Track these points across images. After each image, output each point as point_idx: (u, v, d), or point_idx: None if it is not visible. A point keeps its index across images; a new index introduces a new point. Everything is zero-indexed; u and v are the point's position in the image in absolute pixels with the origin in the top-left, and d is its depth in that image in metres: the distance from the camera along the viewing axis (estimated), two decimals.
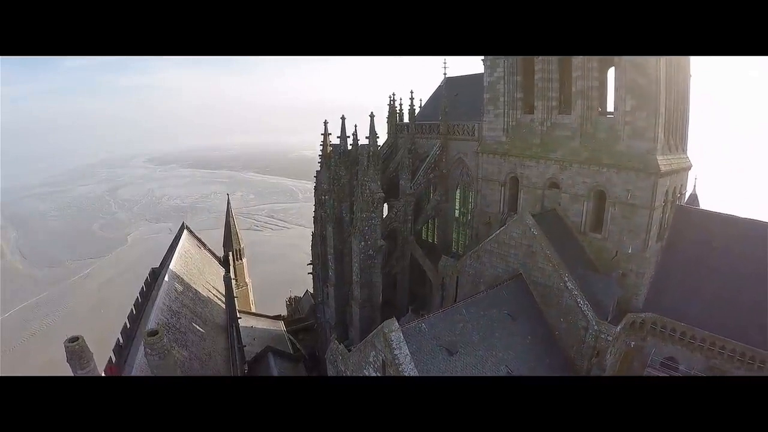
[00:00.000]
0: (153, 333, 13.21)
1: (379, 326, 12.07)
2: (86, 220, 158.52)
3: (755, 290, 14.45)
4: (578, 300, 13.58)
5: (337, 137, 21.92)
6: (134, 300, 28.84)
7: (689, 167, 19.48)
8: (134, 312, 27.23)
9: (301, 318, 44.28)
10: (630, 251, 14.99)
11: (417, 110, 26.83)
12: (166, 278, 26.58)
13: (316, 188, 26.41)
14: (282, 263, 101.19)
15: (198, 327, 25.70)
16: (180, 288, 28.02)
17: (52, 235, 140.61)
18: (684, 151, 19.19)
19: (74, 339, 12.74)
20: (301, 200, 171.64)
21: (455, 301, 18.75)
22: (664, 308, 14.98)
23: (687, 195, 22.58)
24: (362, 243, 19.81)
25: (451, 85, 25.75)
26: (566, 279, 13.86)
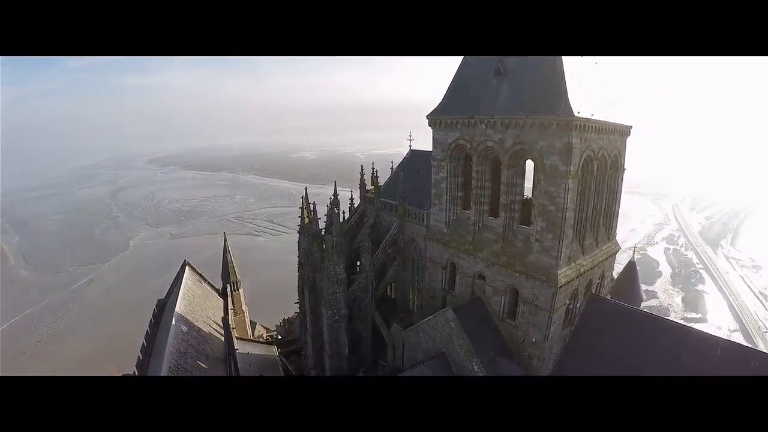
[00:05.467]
0: None
1: None
2: (88, 224, 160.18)
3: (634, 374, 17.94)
4: None
5: (308, 219, 25.74)
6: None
7: (615, 252, 22.79)
8: (145, 344, 31.56)
9: (293, 339, 47.64)
10: (534, 340, 18.65)
11: (397, 163, 30.34)
12: (173, 321, 29.93)
13: (299, 247, 30.22)
14: (280, 270, 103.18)
15: (201, 363, 29.28)
16: (185, 329, 31.57)
17: (54, 240, 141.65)
18: (611, 239, 22.47)
19: None
20: (300, 204, 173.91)
21: (402, 359, 22.66)
22: None
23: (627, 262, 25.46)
24: (330, 311, 23.70)
25: (415, 158, 29.18)
26: (474, 362, 17.87)
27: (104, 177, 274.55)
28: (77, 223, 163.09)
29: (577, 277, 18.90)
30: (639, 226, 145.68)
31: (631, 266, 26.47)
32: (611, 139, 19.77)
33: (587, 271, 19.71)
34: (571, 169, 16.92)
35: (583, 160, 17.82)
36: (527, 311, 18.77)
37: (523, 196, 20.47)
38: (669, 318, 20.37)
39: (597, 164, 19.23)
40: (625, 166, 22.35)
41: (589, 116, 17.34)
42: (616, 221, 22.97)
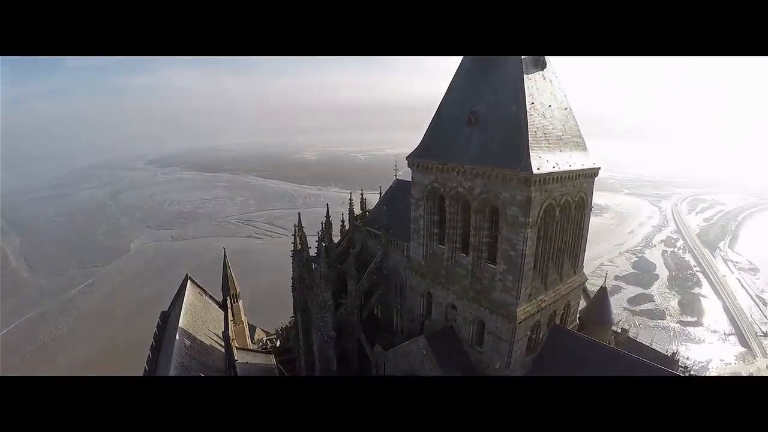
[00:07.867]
0: None
1: None
2: (89, 226, 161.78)
3: None
4: None
5: (299, 244, 28.11)
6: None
7: (581, 283, 24.65)
8: (150, 356, 33.86)
9: (290, 348, 49.89)
10: (497, 366, 20.91)
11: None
12: (177, 336, 32.23)
13: (293, 270, 32.58)
14: (280, 272, 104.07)
15: (203, 375, 31.51)
16: (188, 343, 33.99)
17: (55, 242, 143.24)
18: (577, 272, 24.02)
19: None
20: (299, 206, 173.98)
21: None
22: None
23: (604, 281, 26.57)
24: (319, 333, 26.04)
25: (400, 188, 31.31)
26: None
27: (105, 178, 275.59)
28: (78, 224, 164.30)
29: (538, 312, 21.01)
30: (638, 228, 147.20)
31: (602, 292, 27.66)
32: (576, 183, 21.10)
33: (549, 305, 21.79)
34: (530, 220, 18.60)
35: (543, 209, 19.37)
36: (492, 341, 21.03)
37: (495, 233, 22.02)
38: (623, 350, 22.39)
39: (560, 209, 20.69)
40: (593, 204, 23.64)
41: (550, 169, 18.80)
42: (583, 255, 24.45)
